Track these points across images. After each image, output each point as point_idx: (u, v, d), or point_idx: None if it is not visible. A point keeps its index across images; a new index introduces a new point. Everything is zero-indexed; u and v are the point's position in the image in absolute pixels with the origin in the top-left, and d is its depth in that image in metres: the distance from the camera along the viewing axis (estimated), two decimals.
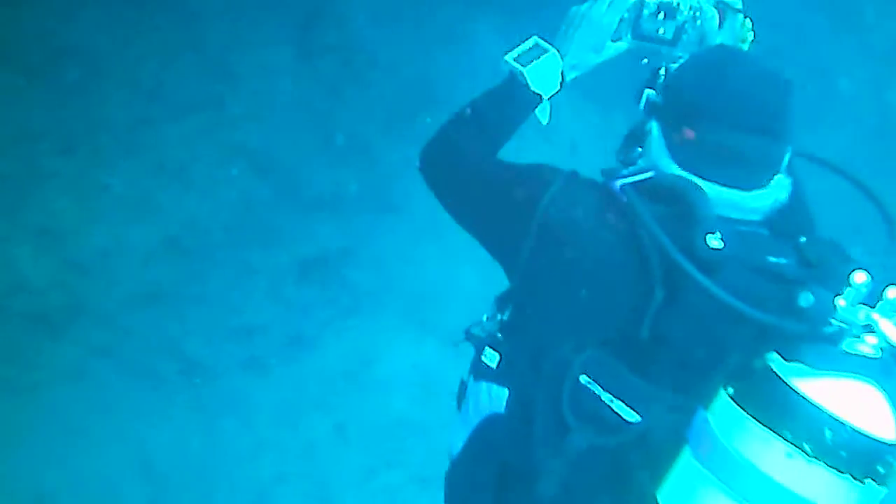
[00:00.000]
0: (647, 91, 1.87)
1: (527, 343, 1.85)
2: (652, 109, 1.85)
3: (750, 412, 1.48)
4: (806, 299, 1.53)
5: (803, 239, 1.75)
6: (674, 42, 2.04)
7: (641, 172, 1.77)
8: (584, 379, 1.68)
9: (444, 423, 5.01)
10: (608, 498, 1.70)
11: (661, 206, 1.69)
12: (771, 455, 1.45)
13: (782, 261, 1.72)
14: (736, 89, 1.74)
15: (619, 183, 1.76)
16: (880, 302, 1.49)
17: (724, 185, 1.75)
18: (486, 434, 1.92)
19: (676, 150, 1.78)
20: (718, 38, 2.04)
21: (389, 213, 5.35)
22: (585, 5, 2.08)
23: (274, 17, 5.34)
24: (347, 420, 4.96)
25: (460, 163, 1.98)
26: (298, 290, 5.12)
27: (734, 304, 1.58)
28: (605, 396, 1.67)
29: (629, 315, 1.68)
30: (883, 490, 1.49)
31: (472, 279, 5.56)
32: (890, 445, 1.46)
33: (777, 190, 1.80)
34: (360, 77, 5.35)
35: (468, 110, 2.04)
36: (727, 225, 1.68)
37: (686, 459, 1.55)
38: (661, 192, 1.71)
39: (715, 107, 1.73)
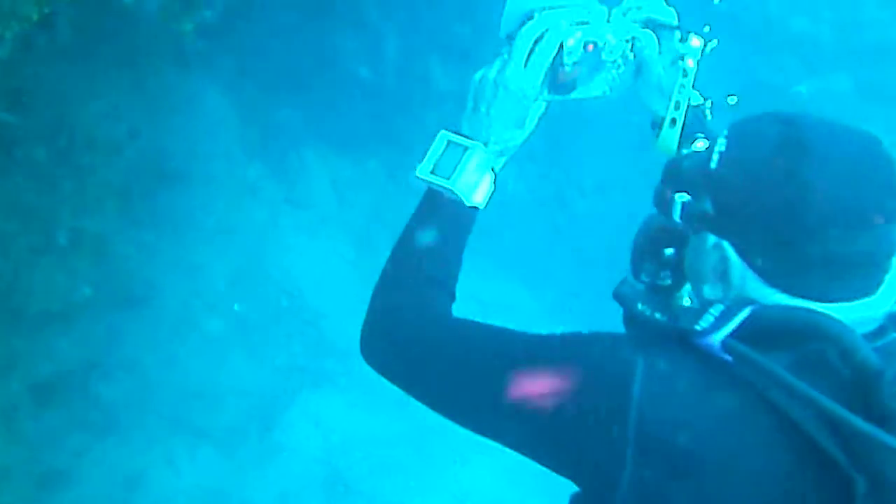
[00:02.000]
0: (679, 196, 1.40)
1: None
2: (701, 221, 1.39)
3: None
4: None
5: None
6: (591, 80, 1.66)
7: (732, 314, 1.31)
8: None
9: None
10: None
11: (785, 355, 1.26)
12: None
13: None
14: (842, 177, 1.30)
15: (716, 338, 1.28)
16: None
17: (852, 299, 1.32)
18: None
19: (774, 275, 1.34)
20: (659, 65, 1.71)
21: (134, 309, 4.87)
22: (493, 70, 1.62)
23: None
24: None
25: (435, 345, 1.47)
26: (37, 419, 4.52)
27: None
28: None
29: None
30: None
31: (242, 367, 5.08)
32: None
33: None
34: (76, 162, 4.73)
35: (399, 263, 1.59)
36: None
37: None
38: (775, 336, 1.28)
39: (821, 208, 1.29)
